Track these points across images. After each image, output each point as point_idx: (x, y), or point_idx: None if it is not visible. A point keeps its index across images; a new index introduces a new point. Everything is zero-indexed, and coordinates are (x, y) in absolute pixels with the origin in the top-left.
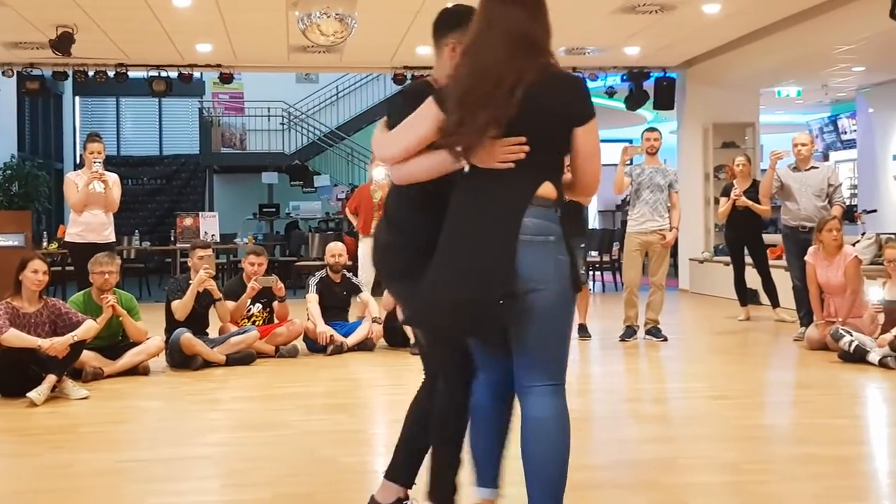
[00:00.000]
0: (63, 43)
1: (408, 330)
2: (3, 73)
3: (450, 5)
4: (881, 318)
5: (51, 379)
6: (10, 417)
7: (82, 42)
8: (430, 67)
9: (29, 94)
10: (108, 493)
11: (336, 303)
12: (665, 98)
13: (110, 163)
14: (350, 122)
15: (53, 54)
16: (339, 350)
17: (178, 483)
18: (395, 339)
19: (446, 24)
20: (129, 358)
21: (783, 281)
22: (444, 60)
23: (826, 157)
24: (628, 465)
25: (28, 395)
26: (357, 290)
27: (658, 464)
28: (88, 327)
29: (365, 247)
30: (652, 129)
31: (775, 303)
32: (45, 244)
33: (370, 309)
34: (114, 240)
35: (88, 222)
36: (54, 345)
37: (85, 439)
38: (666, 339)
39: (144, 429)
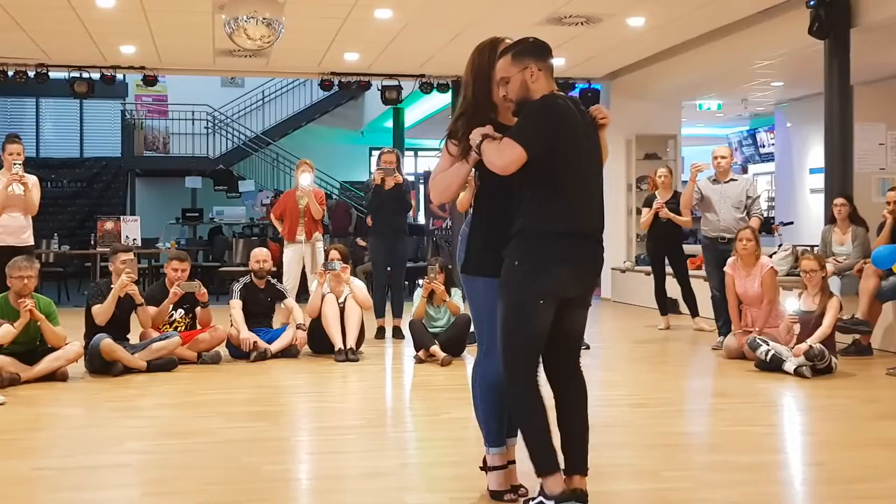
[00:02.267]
0: None
1: (334, 336)
2: None
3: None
4: (797, 328)
5: None
6: None
7: (2, 41)
8: (358, 74)
9: None
10: (24, 502)
11: (260, 309)
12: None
13: (29, 165)
14: (275, 127)
15: None
16: (263, 356)
17: (97, 492)
18: (319, 345)
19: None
20: (47, 363)
21: (702, 291)
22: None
23: (745, 170)
24: None
25: None
26: (281, 296)
27: None
28: (5, 332)
29: (290, 252)
30: None
31: (694, 312)
32: None
33: (294, 315)
34: (32, 243)
35: (7, 225)
36: None
37: (1, 446)
38: (588, 347)
39: (62, 436)
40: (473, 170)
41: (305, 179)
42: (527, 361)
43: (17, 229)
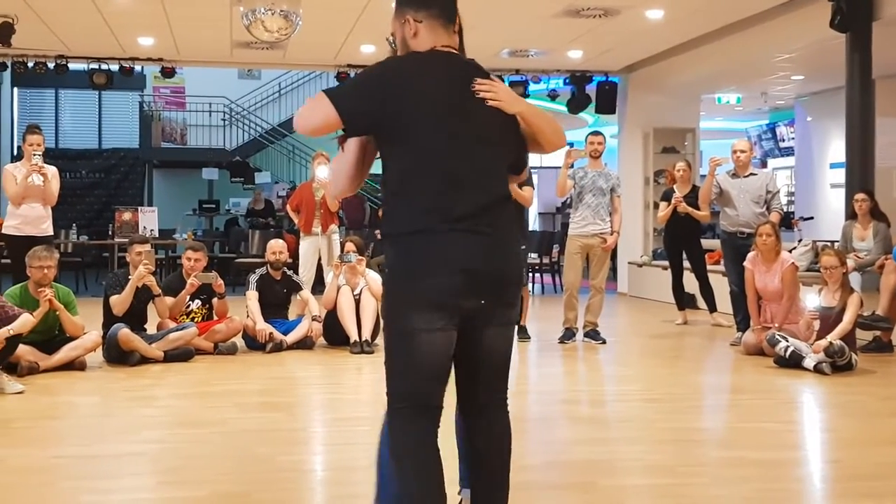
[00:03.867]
0: (3, 33)
1: (349, 328)
2: None
3: None
4: (817, 324)
5: None
6: None
7: (22, 33)
8: None
9: None
10: (42, 490)
11: (276, 300)
12: (607, 102)
13: (49, 155)
14: (292, 119)
15: None
16: (279, 348)
17: (113, 480)
18: (334, 337)
19: None
20: (66, 353)
21: (721, 286)
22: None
23: (764, 164)
24: (563, 465)
25: None
26: (297, 287)
27: (592, 465)
28: (25, 321)
29: (306, 244)
30: (596, 133)
31: (712, 307)
32: None
33: (310, 307)
34: (52, 233)
35: (26, 215)
36: None
37: (19, 434)
38: (604, 342)
39: (79, 425)
40: None
41: (323, 171)
42: (410, 397)
43: (36, 219)
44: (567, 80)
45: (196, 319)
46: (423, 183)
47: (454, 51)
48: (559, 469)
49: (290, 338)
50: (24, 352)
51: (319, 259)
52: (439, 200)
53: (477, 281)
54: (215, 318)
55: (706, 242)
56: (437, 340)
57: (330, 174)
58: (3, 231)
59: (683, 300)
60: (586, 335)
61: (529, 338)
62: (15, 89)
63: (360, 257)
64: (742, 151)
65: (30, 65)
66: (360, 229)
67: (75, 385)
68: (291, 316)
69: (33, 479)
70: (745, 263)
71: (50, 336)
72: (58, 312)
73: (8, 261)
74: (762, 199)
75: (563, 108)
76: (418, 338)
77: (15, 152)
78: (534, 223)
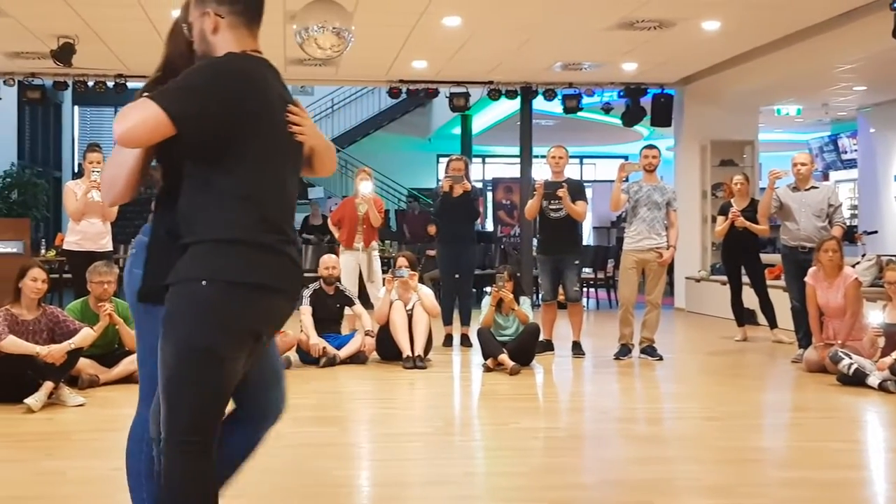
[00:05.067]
0: (64, 53)
1: (402, 343)
2: (4, 82)
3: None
4: (881, 341)
5: (48, 385)
6: (8, 423)
7: (83, 53)
8: (426, 81)
9: (29, 103)
10: (101, 501)
11: (329, 315)
12: (662, 115)
13: None
14: (344, 134)
15: (54, 64)
16: (332, 362)
17: None
18: (387, 352)
19: None
20: (125, 366)
21: (781, 301)
22: None
23: (826, 177)
24: (618, 485)
25: (25, 401)
26: (350, 302)
27: (649, 485)
28: (85, 335)
29: (346, 259)
30: (651, 147)
31: (773, 323)
32: (43, 252)
33: (363, 321)
34: (111, 248)
35: (86, 231)
36: (52, 352)
37: (79, 446)
38: (661, 359)
39: None
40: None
41: (366, 187)
42: (208, 429)
43: (96, 235)
44: (621, 93)
45: None
46: (267, 197)
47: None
48: (615, 488)
49: (344, 352)
50: (85, 365)
51: (361, 275)
52: (280, 218)
53: (288, 305)
54: None
55: (767, 257)
56: (240, 367)
57: (104, 172)
58: (65, 247)
59: (743, 316)
60: (642, 352)
61: (584, 354)
62: (76, 108)
63: (413, 272)
64: (802, 164)
65: (90, 84)
66: (423, 243)
67: (134, 398)
68: (344, 330)
69: (93, 490)
70: (806, 279)
71: (109, 350)
72: (117, 326)
73: (69, 276)
74: (824, 212)
75: (618, 122)
76: (234, 361)
77: (76, 169)
78: (588, 238)
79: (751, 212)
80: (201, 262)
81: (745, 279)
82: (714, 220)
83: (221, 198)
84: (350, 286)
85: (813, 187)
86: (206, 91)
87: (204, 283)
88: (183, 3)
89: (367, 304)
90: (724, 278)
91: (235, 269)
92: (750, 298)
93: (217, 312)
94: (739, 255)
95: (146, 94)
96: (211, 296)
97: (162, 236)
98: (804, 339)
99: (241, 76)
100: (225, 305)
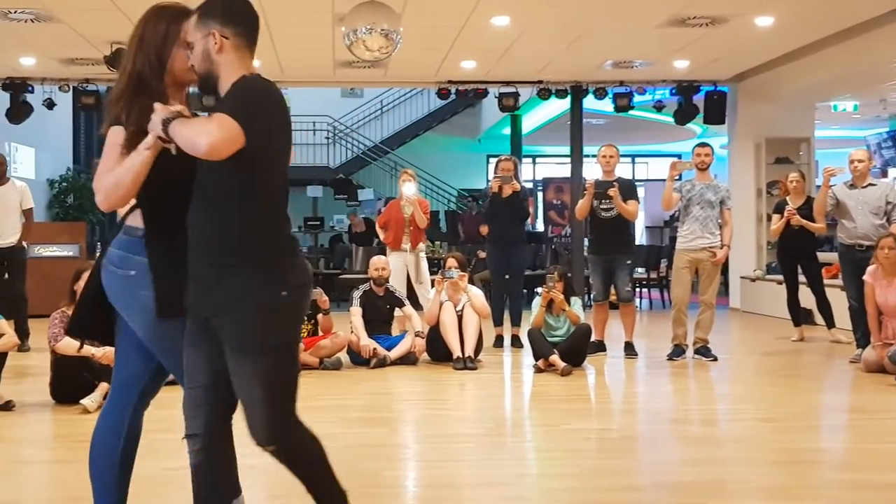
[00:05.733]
0: (117, 59)
1: (452, 344)
2: (59, 88)
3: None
4: None
5: (103, 387)
6: (64, 424)
7: None
8: (475, 81)
9: (84, 108)
10: (155, 500)
11: (379, 316)
12: (716, 112)
13: None
14: (394, 136)
15: (108, 70)
16: (382, 363)
17: None
18: (437, 353)
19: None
20: None
21: (839, 301)
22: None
23: (884, 174)
24: (671, 487)
25: (81, 402)
26: (400, 303)
27: (702, 487)
28: None
29: (393, 260)
30: (703, 145)
31: (830, 323)
32: (98, 255)
33: (413, 322)
34: None
35: None
36: (107, 353)
37: None
38: (716, 359)
39: None
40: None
41: (409, 189)
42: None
43: None
44: (673, 91)
45: (302, 335)
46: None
47: None
48: (668, 491)
49: (394, 353)
50: None
51: (409, 276)
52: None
53: None
54: (320, 333)
55: (824, 255)
56: None
57: (101, 179)
58: None
59: (799, 316)
60: (696, 352)
61: (637, 355)
62: None
63: (462, 273)
64: (860, 161)
65: None
66: (475, 244)
67: None
68: (394, 331)
69: (147, 489)
70: (864, 277)
71: None
72: None
73: None
74: (881, 210)
75: (670, 120)
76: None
77: None
78: (640, 237)
79: (807, 210)
80: (271, 275)
81: (802, 278)
82: (769, 218)
83: (274, 210)
84: (398, 287)
85: (870, 184)
86: (265, 109)
87: (284, 293)
88: (142, 28)
89: (416, 305)
90: (780, 277)
91: (295, 275)
92: (807, 298)
93: (296, 312)
94: (796, 253)
95: (174, 116)
96: (291, 301)
97: (164, 254)
98: (862, 339)
99: (280, 97)
100: (297, 306)
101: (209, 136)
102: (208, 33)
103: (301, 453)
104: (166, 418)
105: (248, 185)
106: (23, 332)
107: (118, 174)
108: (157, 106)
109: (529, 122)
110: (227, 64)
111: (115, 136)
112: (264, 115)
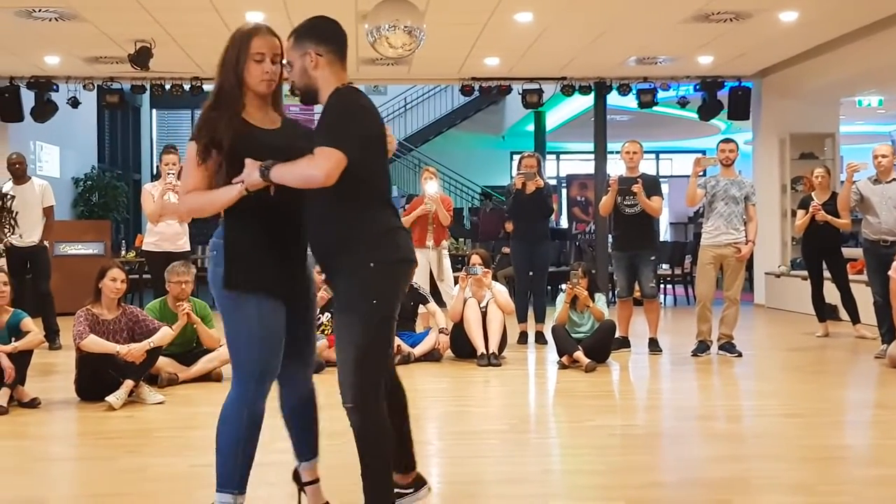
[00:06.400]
0: (141, 57)
1: (476, 341)
2: (84, 86)
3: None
4: None
5: (128, 384)
6: (89, 421)
7: (159, 56)
8: (498, 78)
9: (108, 107)
10: (181, 498)
11: (403, 313)
12: (740, 108)
13: None
14: (417, 133)
15: (132, 68)
16: (406, 360)
17: (249, 490)
18: (461, 349)
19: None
20: (203, 364)
21: (864, 296)
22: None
23: None
24: (697, 483)
25: (106, 399)
26: (424, 300)
27: (728, 483)
28: (164, 334)
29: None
30: (728, 140)
31: (855, 319)
32: (123, 253)
33: (437, 319)
34: (188, 248)
35: (164, 232)
36: (132, 351)
37: (160, 443)
38: (740, 355)
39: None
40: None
41: (432, 187)
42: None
43: (173, 236)
44: (697, 87)
45: (326, 332)
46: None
47: None
48: (694, 487)
49: (418, 350)
50: (164, 364)
51: (431, 273)
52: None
53: None
54: None
55: (849, 251)
56: None
57: (189, 196)
58: (144, 248)
59: (824, 311)
60: (721, 348)
61: (661, 351)
62: (154, 111)
63: (486, 269)
64: (884, 156)
65: (167, 87)
66: (496, 241)
67: (213, 396)
68: (418, 328)
69: (173, 486)
70: (889, 272)
71: (188, 348)
72: (195, 325)
73: (149, 276)
74: None
75: (694, 116)
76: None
77: (154, 172)
78: (665, 233)
79: (832, 205)
80: (376, 252)
81: (827, 274)
82: (794, 214)
83: (369, 199)
84: (423, 284)
85: (894, 179)
86: (357, 119)
87: (372, 265)
88: (230, 42)
89: (440, 302)
90: (805, 273)
91: (397, 251)
92: (832, 293)
93: (394, 283)
94: (820, 249)
95: (271, 164)
96: (390, 271)
97: (237, 233)
98: (888, 335)
99: (370, 107)
100: (396, 278)
101: (320, 168)
102: (304, 52)
103: (372, 432)
104: (191, 416)
105: (351, 184)
106: (52, 331)
107: (203, 202)
108: (248, 161)
109: (553, 118)
110: (322, 78)
111: (191, 150)
112: (357, 125)
